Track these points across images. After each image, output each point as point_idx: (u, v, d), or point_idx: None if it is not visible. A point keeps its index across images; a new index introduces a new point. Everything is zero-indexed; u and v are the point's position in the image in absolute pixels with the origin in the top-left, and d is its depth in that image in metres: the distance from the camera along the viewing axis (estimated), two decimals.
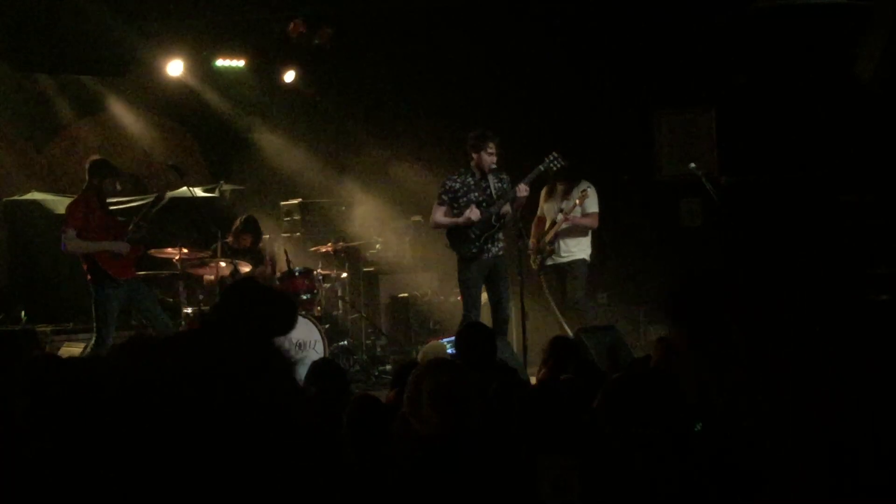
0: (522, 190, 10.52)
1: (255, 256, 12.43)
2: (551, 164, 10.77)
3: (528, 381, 7.87)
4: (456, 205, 10.63)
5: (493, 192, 10.54)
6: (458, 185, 10.64)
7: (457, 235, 10.64)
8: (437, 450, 4.20)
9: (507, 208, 10.51)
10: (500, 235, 10.70)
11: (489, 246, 10.56)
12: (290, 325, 4.84)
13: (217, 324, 4.14)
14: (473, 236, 10.53)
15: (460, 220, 10.54)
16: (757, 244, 10.90)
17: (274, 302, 4.61)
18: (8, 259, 13.57)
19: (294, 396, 1.78)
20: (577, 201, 11.39)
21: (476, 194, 10.57)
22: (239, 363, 1.73)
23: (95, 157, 11.05)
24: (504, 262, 10.70)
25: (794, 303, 8.33)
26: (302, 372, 10.49)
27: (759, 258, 10.88)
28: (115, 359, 1.77)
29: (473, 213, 10.47)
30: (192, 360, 1.71)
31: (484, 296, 10.94)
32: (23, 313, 12.49)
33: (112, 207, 11.12)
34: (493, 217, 10.52)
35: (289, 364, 1.82)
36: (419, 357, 11.39)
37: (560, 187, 11.56)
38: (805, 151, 13.32)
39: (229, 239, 12.16)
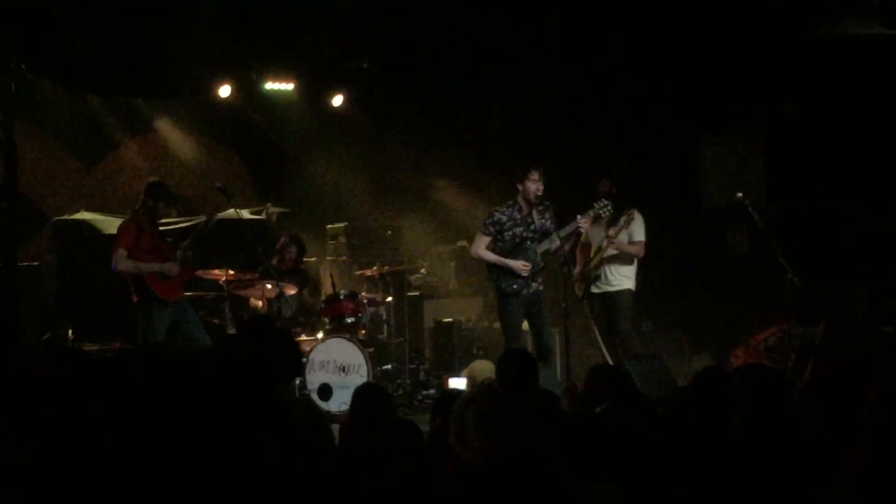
0: (585, 223, 10.52)
1: (301, 278, 12.47)
2: (601, 211, 10.78)
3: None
4: (500, 238, 10.59)
5: (537, 227, 10.51)
6: (504, 219, 10.60)
7: (500, 270, 10.60)
8: (484, 478, 4.19)
9: (555, 244, 10.45)
10: (539, 272, 10.66)
11: (530, 282, 10.53)
12: (292, 376, 4.83)
13: (230, 355, 4.13)
14: (515, 273, 10.49)
15: (508, 264, 10.50)
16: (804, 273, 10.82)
17: (284, 350, 4.60)
18: (56, 278, 13.65)
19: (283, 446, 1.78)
20: (623, 225, 11.34)
21: (521, 229, 10.53)
22: (239, 397, 1.74)
23: (154, 178, 11.14)
24: (543, 297, 10.65)
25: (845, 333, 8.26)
26: (345, 396, 10.54)
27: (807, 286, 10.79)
28: (129, 362, 1.78)
29: (524, 271, 10.43)
30: (197, 381, 1.73)
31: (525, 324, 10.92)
32: (70, 332, 12.56)
33: (161, 228, 11.19)
34: (538, 256, 10.49)
35: (291, 410, 1.83)
36: (466, 373, 11.45)
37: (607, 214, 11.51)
38: (853, 181, 13.24)
39: (274, 261, 12.22)
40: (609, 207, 10.80)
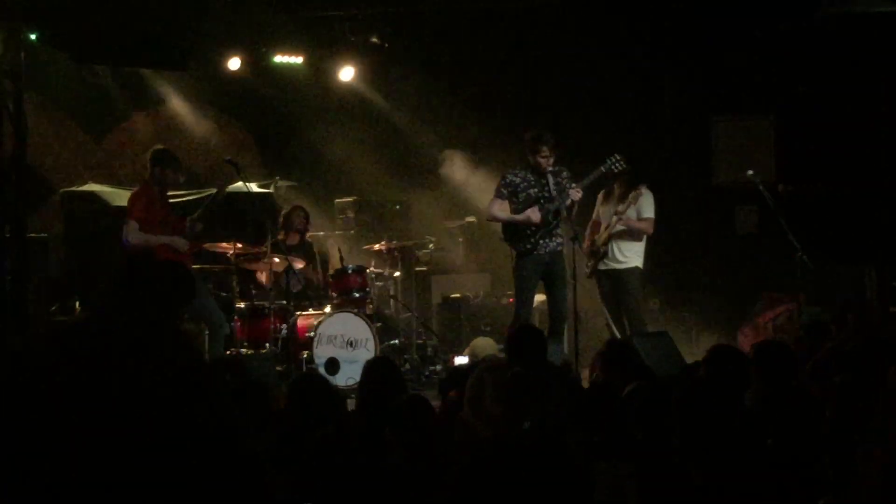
0: (575, 193, 10.46)
1: (308, 252, 12.45)
2: (612, 166, 10.73)
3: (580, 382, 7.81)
4: (515, 199, 10.57)
5: (552, 188, 10.48)
6: (518, 180, 10.59)
7: (512, 230, 10.61)
8: (498, 452, 4.17)
9: (578, 195, 10.45)
10: (559, 231, 10.62)
11: (545, 241, 10.49)
12: (189, 295, 4.74)
13: (115, 305, 4.06)
14: (529, 232, 10.48)
15: (519, 217, 10.47)
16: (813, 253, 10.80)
17: (169, 274, 4.54)
18: (64, 249, 13.65)
19: (195, 372, 1.74)
20: (631, 201, 11.27)
21: (536, 190, 10.51)
22: (137, 344, 1.70)
23: (158, 146, 11.06)
24: (562, 258, 10.60)
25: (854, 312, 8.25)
26: (352, 370, 10.55)
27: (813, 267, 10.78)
28: (24, 353, 1.74)
29: (535, 215, 10.40)
30: (95, 346, 1.69)
31: (540, 297, 10.89)
32: (77, 304, 12.56)
33: (171, 201, 11.15)
34: (550, 214, 10.46)
35: (187, 339, 1.79)
36: (468, 351, 11.46)
37: (617, 191, 11.44)
38: (864, 161, 13.20)
39: (281, 235, 12.21)
40: (621, 163, 10.73)
